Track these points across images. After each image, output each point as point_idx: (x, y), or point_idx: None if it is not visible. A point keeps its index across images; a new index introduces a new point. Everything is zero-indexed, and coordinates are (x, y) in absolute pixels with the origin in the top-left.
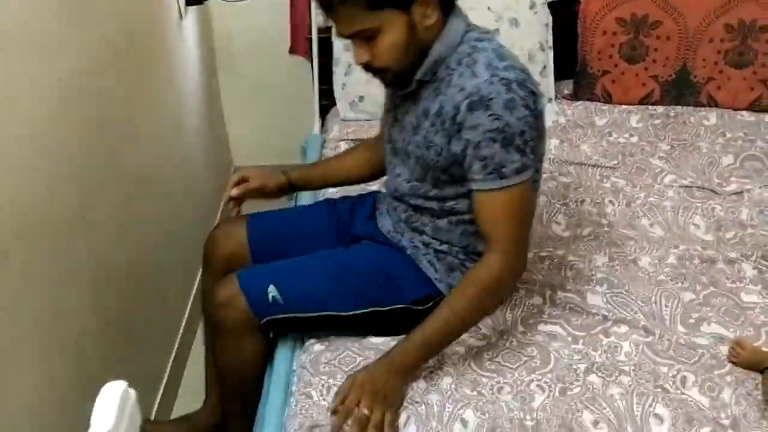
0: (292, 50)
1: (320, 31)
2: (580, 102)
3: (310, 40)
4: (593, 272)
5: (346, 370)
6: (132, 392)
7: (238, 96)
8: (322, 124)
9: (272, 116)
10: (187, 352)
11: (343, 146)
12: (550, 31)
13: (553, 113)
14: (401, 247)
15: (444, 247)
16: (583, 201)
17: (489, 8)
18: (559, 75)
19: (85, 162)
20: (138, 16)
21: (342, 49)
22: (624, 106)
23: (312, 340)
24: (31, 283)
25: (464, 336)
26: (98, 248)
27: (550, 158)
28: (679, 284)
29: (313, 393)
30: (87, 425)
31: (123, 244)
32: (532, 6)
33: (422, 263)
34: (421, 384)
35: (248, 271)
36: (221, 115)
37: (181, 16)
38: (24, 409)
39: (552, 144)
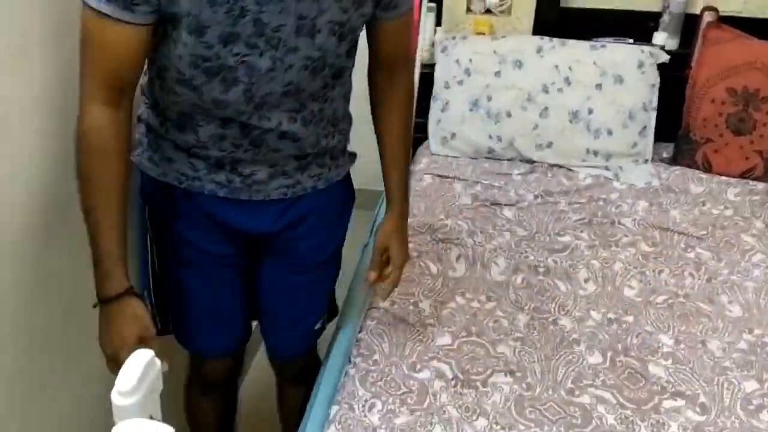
0: None
1: (423, 66)
2: (678, 167)
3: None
4: (660, 345)
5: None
6: (158, 362)
7: None
8: (412, 156)
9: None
10: None
11: (428, 179)
12: (656, 93)
13: (647, 174)
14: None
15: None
16: (661, 271)
17: (594, 63)
18: (659, 137)
19: None
20: None
21: (441, 86)
22: (723, 177)
23: (359, 359)
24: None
25: (509, 380)
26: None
27: (635, 219)
28: (745, 372)
29: (356, 406)
30: None
31: None
32: (641, 65)
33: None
34: (454, 413)
35: None
36: None
37: None
38: None
39: (640, 206)
